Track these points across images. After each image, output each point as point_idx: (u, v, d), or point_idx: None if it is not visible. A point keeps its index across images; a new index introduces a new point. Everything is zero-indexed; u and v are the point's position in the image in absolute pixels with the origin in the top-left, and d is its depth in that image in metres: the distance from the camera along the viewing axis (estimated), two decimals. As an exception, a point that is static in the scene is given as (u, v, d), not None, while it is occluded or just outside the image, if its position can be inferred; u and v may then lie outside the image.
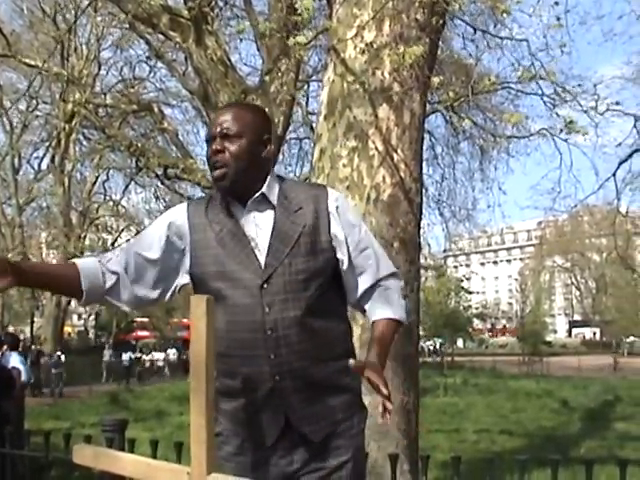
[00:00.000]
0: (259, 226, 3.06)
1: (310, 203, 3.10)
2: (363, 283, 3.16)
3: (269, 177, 3.13)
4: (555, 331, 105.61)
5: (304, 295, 3.00)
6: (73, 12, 24.32)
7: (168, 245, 3.15)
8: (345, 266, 3.11)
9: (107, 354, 44.54)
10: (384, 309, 3.16)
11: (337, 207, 3.11)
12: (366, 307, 3.19)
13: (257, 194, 3.08)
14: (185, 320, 54.07)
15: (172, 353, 52.23)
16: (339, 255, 3.09)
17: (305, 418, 3.03)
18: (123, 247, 3.29)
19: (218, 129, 3.10)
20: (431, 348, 69.54)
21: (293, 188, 3.17)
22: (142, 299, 3.22)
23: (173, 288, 3.23)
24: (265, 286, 2.99)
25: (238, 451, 3.12)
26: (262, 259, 3.02)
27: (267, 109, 14.06)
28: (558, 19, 8.56)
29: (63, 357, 36.02)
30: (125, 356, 45.51)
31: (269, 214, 3.07)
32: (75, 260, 3.21)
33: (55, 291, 3.36)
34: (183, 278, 3.19)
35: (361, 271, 3.15)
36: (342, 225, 3.10)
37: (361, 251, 3.14)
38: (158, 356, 49.91)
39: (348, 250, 3.11)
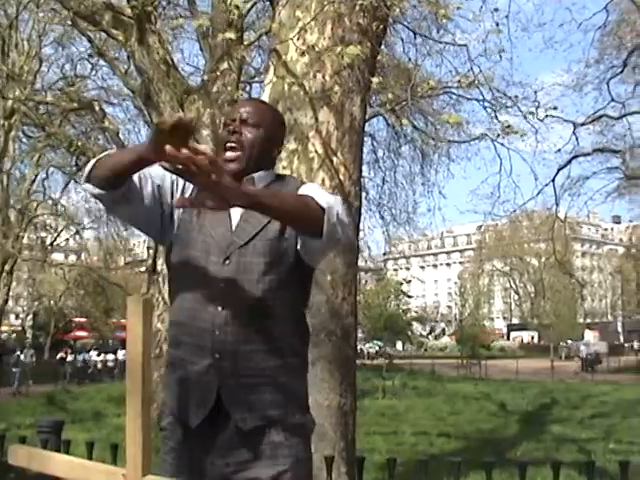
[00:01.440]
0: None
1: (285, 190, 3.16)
2: None
3: (262, 172, 3.17)
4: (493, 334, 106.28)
5: (262, 278, 3.01)
6: (14, 7, 23.99)
7: (161, 190, 3.17)
8: None
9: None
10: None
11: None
12: None
13: (247, 177, 3.10)
14: (124, 321, 53.79)
15: (122, 354, 51.74)
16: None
17: (236, 404, 3.00)
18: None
19: (238, 114, 3.18)
20: (372, 351, 69.66)
21: (279, 183, 3.23)
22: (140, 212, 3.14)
23: (159, 226, 3.20)
24: (227, 262, 3.02)
25: (178, 447, 3.10)
26: (231, 232, 3.07)
27: (209, 109, 14.09)
28: (497, 25, 8.63)
29: (22, 356, 37.30)
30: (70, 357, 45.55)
31: None
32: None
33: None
34: (166, 227, 3.19)
35: None
36: None
37: None
38: (95, 357, 49.23)
39: None
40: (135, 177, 3.03)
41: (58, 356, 45.55)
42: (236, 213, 3.06)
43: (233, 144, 3.12)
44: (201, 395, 3.03)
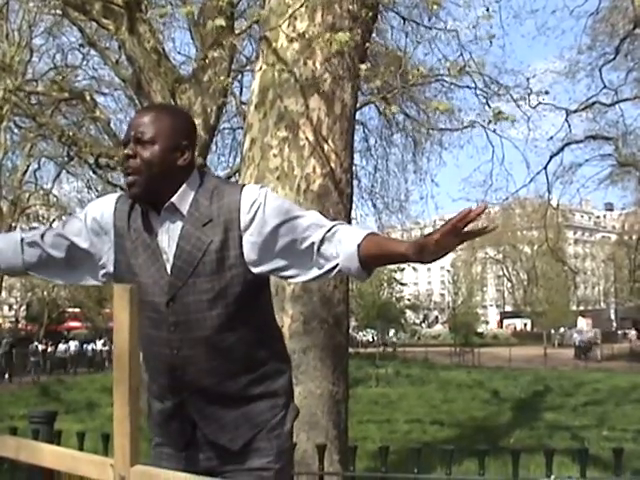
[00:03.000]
0: (172, 238, 2.94)
1: (221, 214, 2.91)
2: (307, 252, 2.89)
3: (184, 185, 2.96)
4: (487, 322, 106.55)
5: (210, 315, 2.91)
6: (3, -3, 23.90)
7: (94, 235, 3.07)
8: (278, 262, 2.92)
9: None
10: (353, 236, 2.83)
11: (254, 212, 2.89)
12: (329, 254, 2.85)
13: (166, 204, 2.93)
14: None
15: (100, 344, 51.61)
16: (255, 258, 2.91)
17: (219, 431, 2.99)
18: (51, 228, 3.22)
19: (132, 133, 2.94)
20: (365, 339, 69.76)
21: (208, 196, 2.96)
22: (64, 273, 3.17)
23: (94, 276, 3.16)
24: (170, 304, 2.92)
25: (163, 442, 3.12)
26: (167, 277, 2.94)
27: (200, 98, 14.05)
28: (487, 10, 8.59)
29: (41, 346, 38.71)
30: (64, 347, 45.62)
31: (179, 226, 2.94)
32: None
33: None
34: (104, 273, 3.12)
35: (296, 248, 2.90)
36: (260, 228, 2.88)
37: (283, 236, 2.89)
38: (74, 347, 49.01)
39: (272, 248, 2.90)
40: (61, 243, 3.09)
41: (35, 347, 45.40)
42: (169, 251, 2.93)
43: (129, 170, 2.92)
44: (179, 427, 3.04)
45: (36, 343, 44.08)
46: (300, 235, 2.87)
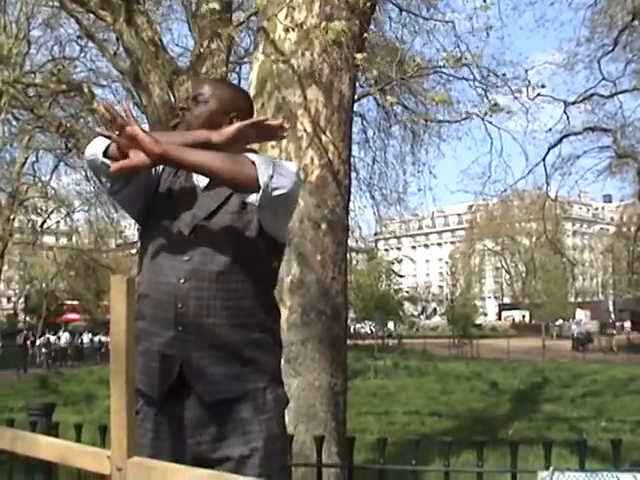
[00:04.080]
0: (203, 180, 3.12)
1: None
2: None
3: None
4: (485, 314, 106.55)
5: (225, 251, 3.01)
6: (1, -11, 23.91)
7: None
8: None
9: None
10: None
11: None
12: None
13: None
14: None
15: (87, 337, 51.63)
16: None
17: (198, 377, 3.00)
18: None
19: (193, 92, 3.30)
20: (369, 331, 69.83)
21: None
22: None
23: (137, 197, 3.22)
24: (192, 236, 3.04)
25: (153, 428, 3.09)
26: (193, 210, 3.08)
27: (198, 90, 14.04)
28: (485, 1, 8.55)
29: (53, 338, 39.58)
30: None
31: None
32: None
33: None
34: (145, 197, 3.22)
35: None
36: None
37: None
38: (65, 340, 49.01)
39: None
40: None
41: (22, 340, 45.37)
42: (201, 185, 3.12)
43: (177, 120, 3.24)
44: (164, 367, 3.04)
45: (48, 335, 45.83)
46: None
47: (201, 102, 3.22)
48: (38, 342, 44.24)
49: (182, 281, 3.01)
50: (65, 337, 49.11)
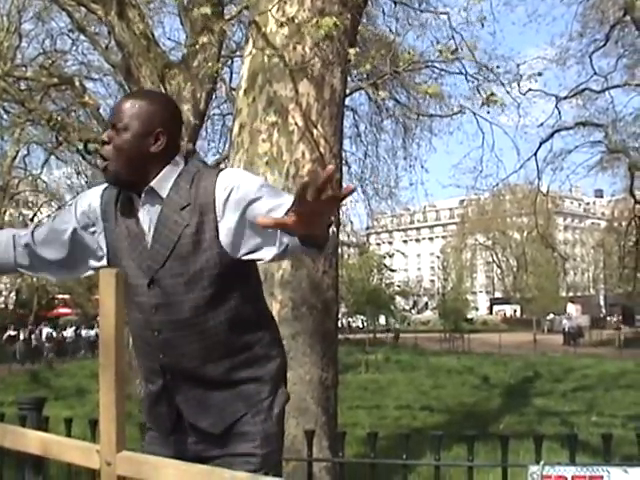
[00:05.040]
0: (152, 221, 2.97)
1: (198, 197, 2.93)
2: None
3: (165, 170, 2.98)
4: (476, 308, 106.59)
5: (187, 298, 2.93)
6: (-8, -17, 23.88)
7: (83, 228, 3.13)
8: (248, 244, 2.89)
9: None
10: None
11: (228, 193, 2.88)
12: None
13: (146, 188, 2.96)
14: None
15: (71, 331, 51.22)
16: (230, 242, 2.90)
17: (201, 414, 3.00)
18: (43, 222, 3.31)
19: (111, 119, 3.02)
20: (361, 325, 69.90)
21: (189, 180, 2.97)
22: (56, 272, 3.27)
23: (88, 266, 3.20)
24: (151, 286, 2.95)
25: (153, 427, 3.16)
26: (147, 259, 2.98)
27: (189, 84, 14.02)
28: (478, -6, 8.56)
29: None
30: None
31: (158, 210, 2.97)
32: None
33: None
34: (100, 261, 3.15)
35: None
36: (233, 210, 2.87)
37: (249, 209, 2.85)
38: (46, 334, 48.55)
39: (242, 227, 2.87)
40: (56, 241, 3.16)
41: (6, 335, 45.14)
42: (149, 234, 2.97)
43: (102, 156, 3.00)
44: (164, 411, 3.07)
45: (50, 330, 47.14)
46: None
47: (121, 129, 2.94)
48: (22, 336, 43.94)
49: (156, 334, 2.97)
50: (46, 332, 48.56)
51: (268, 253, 2.84)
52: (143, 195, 2.97)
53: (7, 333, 44.79)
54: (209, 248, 2.90)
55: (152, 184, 2.95)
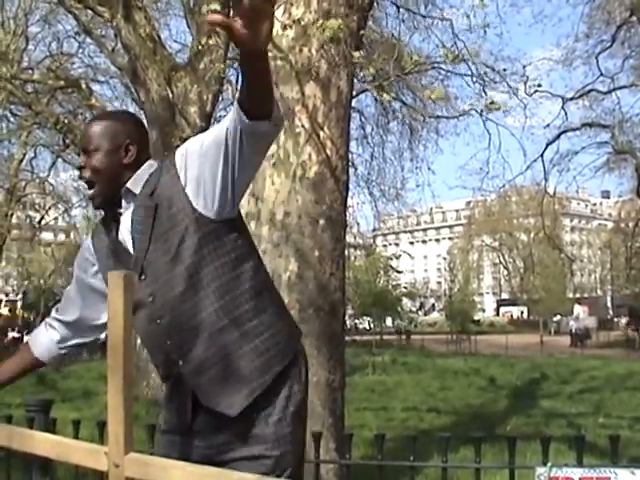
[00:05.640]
0: (129, 221, 3.06)
1: (162, 176, 3.01)
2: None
3: (138, 172, 3.09)
4: (483, 310, 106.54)
5: (176, 273, 2.95)
6: (-1, -15, 23.93)
7: (84, 269, 3.33)
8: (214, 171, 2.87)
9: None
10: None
11: (184, 156, 2.95)
12: (233, 130, 2.78)
13: (122, 189, 3.07)
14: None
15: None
16: (199, 193, 2.92)
17: (217, 397, 2.97)
18: (64, 296, 3.48)
19: (82, 146, 3.18)
20: (368, 327, 69.84)
21: (158, 173, 3.05)
22: (92, 338, 3.43)
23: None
24: (143, 278, 2.99)
25: (166, 428, 3.14)
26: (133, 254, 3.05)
27: (196, 86, 14.03)
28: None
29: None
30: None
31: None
32: (28, 341, 3.52)
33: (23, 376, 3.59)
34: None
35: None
36: (192, 166, 2.92)
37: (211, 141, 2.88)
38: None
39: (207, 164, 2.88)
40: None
41: (9, 336, 45.14)
42: (124, 232, 3.07)
43: (85, 182, 3.13)
44: (181, 402, 3.06)
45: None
46: (218, 143, 2.85)
47: (92, 151, 3.09)
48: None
49: (158, 321, 2.99)
50: None
51: (240, 166, 2.87)
52: (123, 201, 3.07)
53: (10, 335, 44.71)
54: (184, 216, 2.93)
55: (128, 185, 3.06)
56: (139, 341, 3.19)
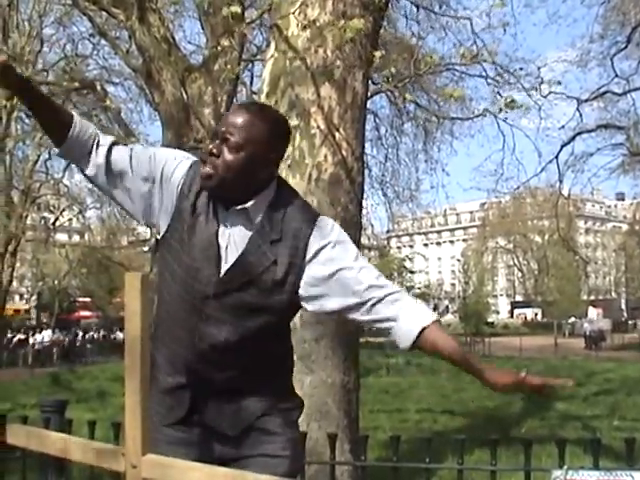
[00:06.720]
0: (234, 241, 2.90)
1: (291, 237, 2.87)
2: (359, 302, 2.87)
3: (261, 194, 2.91)
4: (497, 312, 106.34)
5: (243, 325, 2.89)
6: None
7: (158, 182, 3.01)
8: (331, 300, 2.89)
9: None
10: (418, 316, 2.86)
11: (321, 247, 2.88)
12: (384, 315, 2.86)
13: (239, 207, 2.89)
14: (128, 299, 53.86)
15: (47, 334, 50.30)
16: (308, 292, 2.89)
17: (218, 419, 2.98)
18: (128, 146, 3.14)
19: (223, 129, 2.87)
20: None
21: (282, 212, 2.90)
22: (112, 194, 3.09)
23: (144, 220, 3.09)
24: (210, 298, 2.89)
25: (176, 436, 3.06)
26: (218, 274, 2.90)
27: (210, 87, 14.04)
28: (500, -1, 8.56)
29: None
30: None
31: (245, 234, 2.89)
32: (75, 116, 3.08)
33: (43, 117, 3.09)
34: (154, 223, 3.05)
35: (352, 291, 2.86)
36: (320, 268, 2.87)
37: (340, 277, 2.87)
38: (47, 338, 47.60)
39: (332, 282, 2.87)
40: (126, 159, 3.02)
41: (16, 338, 44.97)
42: (229, 252, 2.90)
43: (208, 166, 2.87)
44: (175, 403, 3.03)
45: (92, 332, 50.84)
46: (357, 287, 2.86)
47: (233, 147, 2.83)
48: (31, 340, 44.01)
49: (196, 340, 2.91)
50: (46, 336, 47.77)
51: (355, 314, 2.91)
52: (233, 212, 2.91)
53: (17, 337, 44.66)
54: (286, 291, 2.87)
55: (248, 206, 2.88)
56: (160, 320, 3.12)
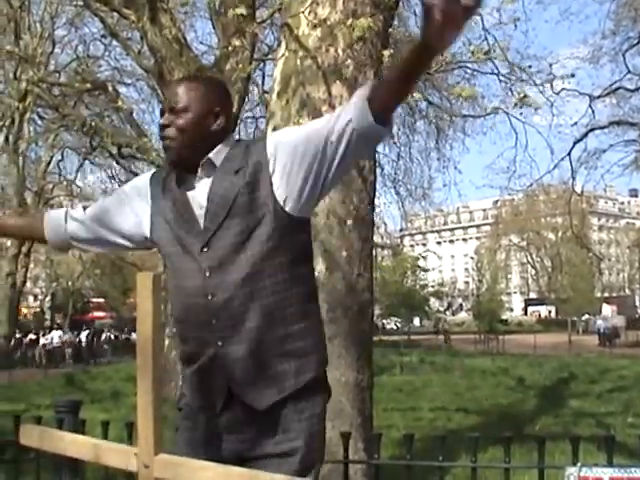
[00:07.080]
0: (207, 188, 3.01)
1: (251, 160, 2.98)
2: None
3: (220, 145, 3.05)
4: (511, 309, 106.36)
5: (243, 256, 2.91)
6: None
7: (132, 203, 3.24)
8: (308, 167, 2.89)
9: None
10: (357, 94, 2.79)
11: (275, 145, 2.95)
12: (341, 128, 2.78)
13: (203, 159, 3.02)
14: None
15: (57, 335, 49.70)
16: (285, 188, 2.92)
17: (247, 386, 2.95)
18: (96, 201, 3.45)
19: (167, 104, 3.09)
20: (396, 327, 69.82)
21: (242, 149, 3.05)
22: (105, 242, 3.36)
23: (137, 240, 3.29)
24: (205, 250, 2.95)
25: (193, 426, 3.09)
26: (202, 223, 2.98)
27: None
28: (511, -5, 8.54)
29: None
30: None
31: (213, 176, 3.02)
32: (44, 215, 3.46)
33: (20, 238, 3.53)
34: (143, 234, 3.23)
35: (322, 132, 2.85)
36: (281, 157, 2.92)
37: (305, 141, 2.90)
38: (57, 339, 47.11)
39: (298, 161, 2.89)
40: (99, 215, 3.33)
41: (27, 339, 44.82)
42: (203, 200, 3.00)
43: (165, 138, 3.08)
44: (215, 385, 3.01)
45: (108, 333, 51.59)
46: (317, 133, 2.88)
47: (180, 111, 3.05)
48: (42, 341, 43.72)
49: (210, 297, 2.94)
50: (55, 337, 47.46)
51: (333, 169, 2.90)
52: (200, 169, 3.03)
53: (28, 337, 44.62)
54: (265, 205, 2.92)
55: (210, 155, 3.03)
56: (167, 342, 3.17)
